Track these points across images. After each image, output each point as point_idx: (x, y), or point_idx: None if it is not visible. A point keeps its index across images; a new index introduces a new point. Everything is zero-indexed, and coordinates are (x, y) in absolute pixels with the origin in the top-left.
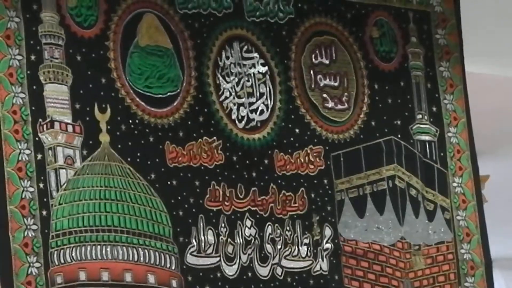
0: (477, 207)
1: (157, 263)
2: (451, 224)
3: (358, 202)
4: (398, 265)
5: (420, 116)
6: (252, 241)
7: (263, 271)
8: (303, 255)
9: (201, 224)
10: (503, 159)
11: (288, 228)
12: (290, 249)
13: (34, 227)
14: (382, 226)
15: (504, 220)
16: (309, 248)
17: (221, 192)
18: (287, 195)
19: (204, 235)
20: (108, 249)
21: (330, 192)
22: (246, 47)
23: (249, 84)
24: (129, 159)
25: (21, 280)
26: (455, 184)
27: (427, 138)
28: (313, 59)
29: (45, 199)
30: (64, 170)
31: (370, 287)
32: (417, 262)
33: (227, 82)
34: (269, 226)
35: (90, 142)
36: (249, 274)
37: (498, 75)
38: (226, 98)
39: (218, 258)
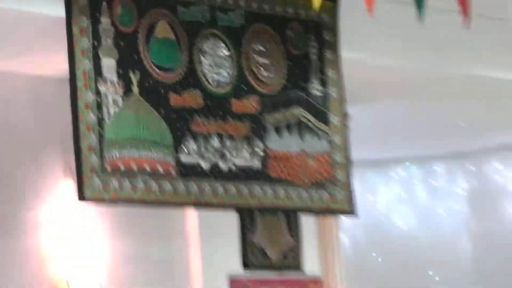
0: (344, 133)
1: (163, 159)
2: (331, 142)
3: (279, 129)
4: (300, 165)
5: (315, 80)
6: (219, 148)
7: (224, 167)
8: (247, 159)
9: (189, 138)
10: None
11: (239, 142)
12: (240, 155)
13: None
14: (292, 143)
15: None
16: (250, 154)
17: (200, 122)
18: (239, 124)
19: (191, 145)
20: (145, 151)
21: (262, 122)
22: (218, 40)
23: (219, 61)
24: (148, 102)
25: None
26: (332, 119)
27: (318, 93)
28: (256, 47)
29: (101, 123)
30: (112, 107)
31: (287, 176)
32: (311, 164)
33: (206, 60)
34: (227, 141)
35: (127, 91)
36: (216, 168)
37: None
38: (206, 69)
39: (198, 159)
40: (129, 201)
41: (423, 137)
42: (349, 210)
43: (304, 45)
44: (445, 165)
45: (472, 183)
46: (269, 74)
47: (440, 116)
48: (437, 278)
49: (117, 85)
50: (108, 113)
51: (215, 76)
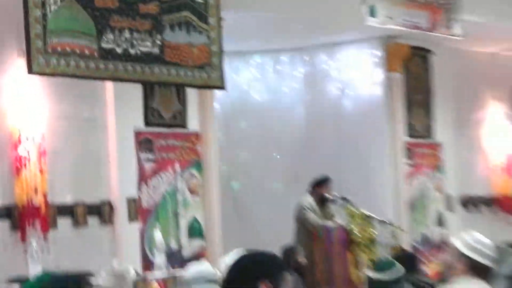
0: (219, 30)
1: (89, 45)
2: (209, 37)
3: (172, 26)
4: (187, 53)
5: None
6: (129, 38)
7: (132, 52)
8: (149, 47)
9: (108, 31)
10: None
11: (143, 35)
12: (144, 44)
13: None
14: (181, 36)
15: None
16: (152, 44)
17: (116, 19)
18: (144, 22)
19: (109, 36)
20: (76, 39)
21: (161, 21)
22: None
23: None
24: (79, 3)
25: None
26: (210, 20)
27: (201, 1)
28: None
29: (45, 18)
30: (53, 6)
31: (177, 60)
32: (195, 52)
33: None
34: (135, 33)
35: None
36: (127, 53)
37: None
38: None
39: (114, 46)
40: (64, 74)
41: (274, 35)
42: (221, 86)
43: None
44: (288, 56)
45: (307, 69)
46: None
47: (285, 20)
48: (277, 139)
49: None
50: (50, 10)
51: None
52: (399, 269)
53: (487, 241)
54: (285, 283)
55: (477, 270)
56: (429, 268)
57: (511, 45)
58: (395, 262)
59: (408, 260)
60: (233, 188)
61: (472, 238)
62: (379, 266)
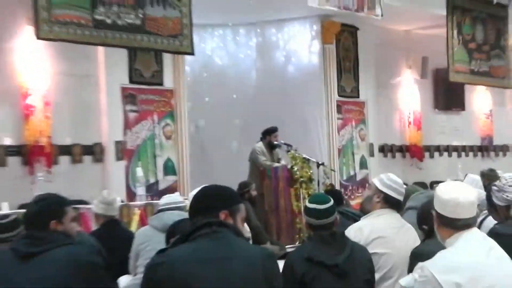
0: (189, 6)
1: (85, 16)
2: (181, 11)
3: (152, 2)
4: (163, 24)
5: None
6: (117, 11)
7: (119, 23)
8: (133, 19)
9: (100, 5)
10: None
11: (129, 9)
12: (129, 17)
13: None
14: (159, 11)
15: None
16: (135, 16)
17: None
18: None
19: (101, 9)
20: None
21: None
22: None
23: None
24: None
25: None
26: None
27: None
28: None
29: None
30: None
31: (156, 30)
32: (169, 24)
33: None
34: (122, 8)
35: None
36: (115, 23)
37: None
38: None
39: (105, 17)
40: (64, 40)
41: (233, 12)
42: (190, 52)
43: None
44: (244, 29)
45: (259, 40)
46: None
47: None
48: (234, 96)
49: None
50: None
51: None
52: (330, 201)
53: (399, 180)
54: (240, 211)
55: (391, 203)
56: (354, 202)
57: (421, 24)
58: (327, 195)
59: (337, 194)
60: (199, 127)
61: (387, 177)
62: (314, 198)
